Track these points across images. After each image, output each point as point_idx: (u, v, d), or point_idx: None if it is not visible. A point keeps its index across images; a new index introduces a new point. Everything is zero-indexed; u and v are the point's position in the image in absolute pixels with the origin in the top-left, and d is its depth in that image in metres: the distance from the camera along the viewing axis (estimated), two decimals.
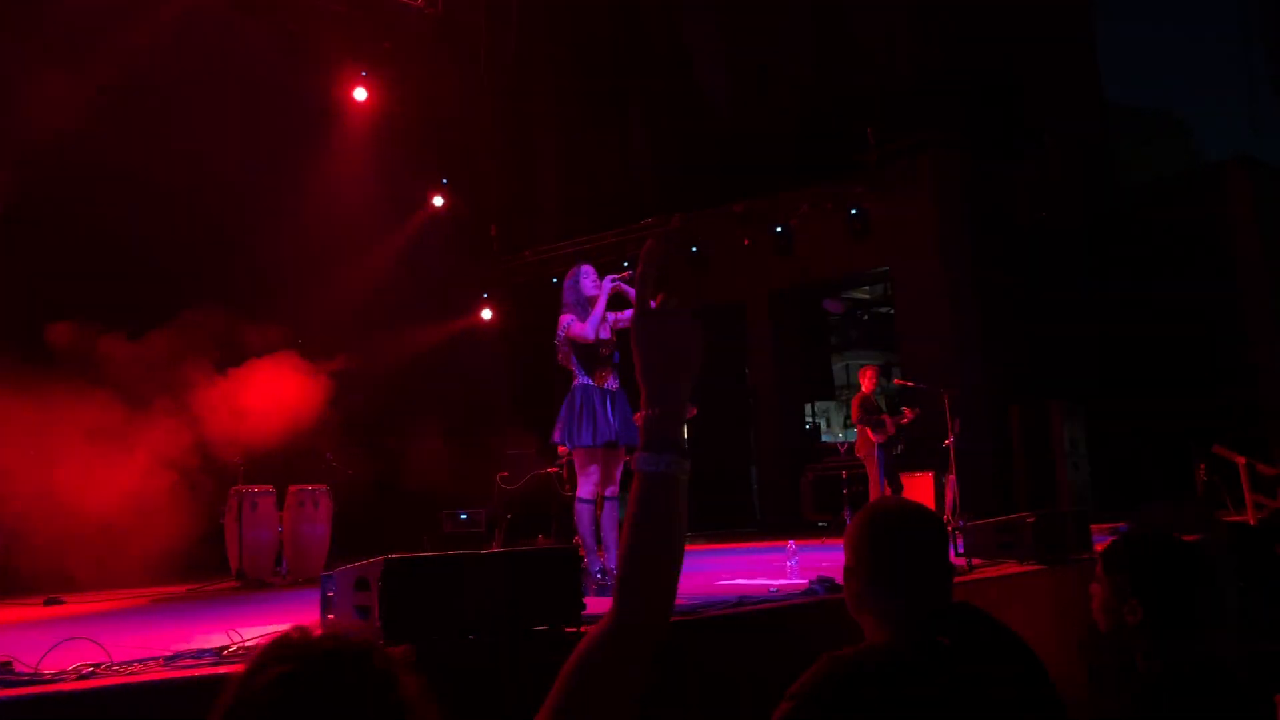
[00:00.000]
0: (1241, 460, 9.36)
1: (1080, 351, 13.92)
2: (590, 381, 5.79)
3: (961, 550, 6.16)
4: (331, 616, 3.64)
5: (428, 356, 13.10)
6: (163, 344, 8.98)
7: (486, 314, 15.00)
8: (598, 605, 4.55)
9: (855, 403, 10.32)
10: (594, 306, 5.83)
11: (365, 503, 10.31)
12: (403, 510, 11.64)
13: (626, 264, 7.29)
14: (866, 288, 19.33)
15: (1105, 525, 9.20)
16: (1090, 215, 13.65)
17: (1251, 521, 9.11)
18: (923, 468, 11.20)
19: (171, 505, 8.33)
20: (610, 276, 5.97)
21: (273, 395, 8.92)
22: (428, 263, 13.62)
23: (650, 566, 1.31)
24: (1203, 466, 10.20)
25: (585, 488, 5.75)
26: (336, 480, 9.03)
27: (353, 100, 12.89)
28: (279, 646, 1.05)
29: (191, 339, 9.08)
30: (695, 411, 5.92)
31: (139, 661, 3.27)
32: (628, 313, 6.08)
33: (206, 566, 8.48)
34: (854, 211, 13.37)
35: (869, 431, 10.06)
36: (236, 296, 9.79)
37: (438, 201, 14.36)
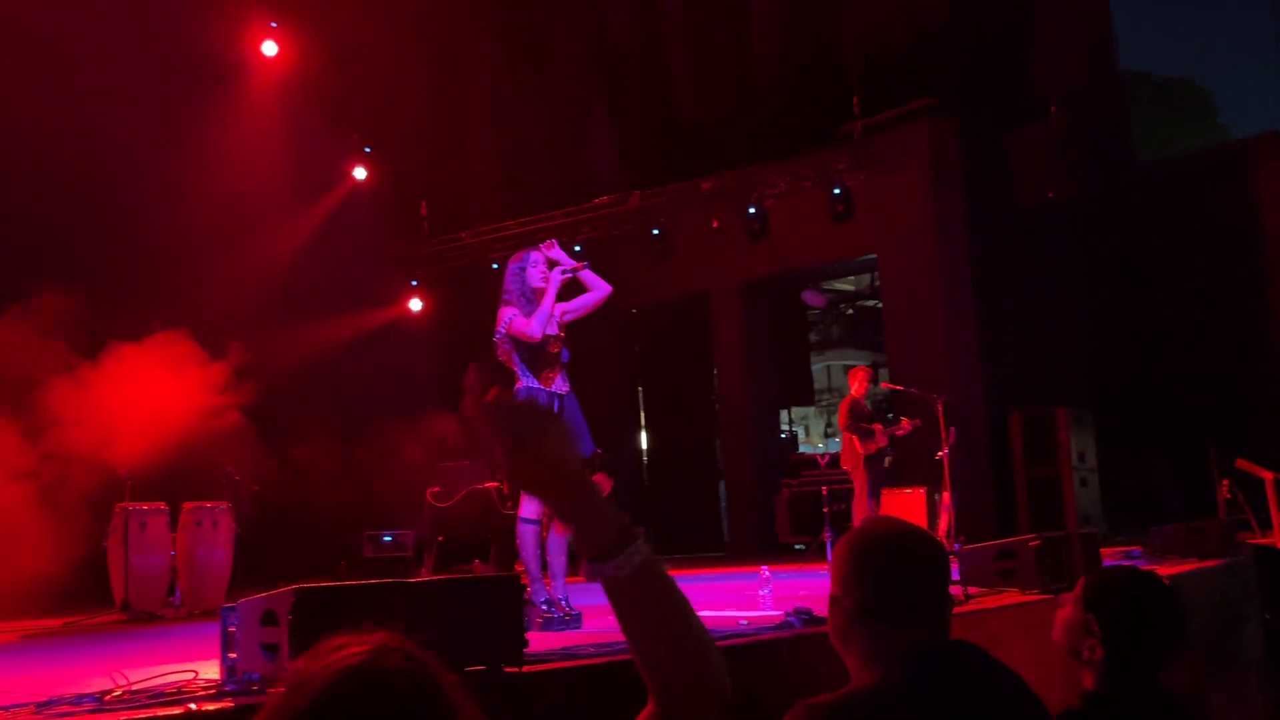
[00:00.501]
0: (1269, 476, 9.53)
1: (1090, 351, 14.11)
2: (536, 384, 5.80)
3: (956, 577, 6.23)
4: (233, 655, 3.61)
5: (348, 353, 13.01)
6: (5, 333, 8.79)
7: (416, 304, 14.92)
8: (542, 642, 4.55)
9: (843, 407, 10.41)
10: (541, 300, 5.83)
11: (273, 523, 10.25)
12: (317, 532, 11.57)
13: (579, 248, 7.33)
14: (851, 278, 19.50)
15: (1117, 548, 9.35)
16: (1104, 196, 13.85)
17: (1279, 545, 9.29)
18: (913, 483, 11.31)
19: (39, 524, 8.20)
20: (560, 266, 5.97)
21: (156, 395, 8.81)
22: (347, 244, 13.52)
23: (677, 656, 1.31)
24: (1225, 482, 10.38)
25: (529, 506, 5.76)
26: (240, 497, 8.96)
27: (260, 55, 12.75)
28: (340, 637, 1.18)
29: (45, 328, 8.91)
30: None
31: (7, 709, 3.22)
32: (576, 301, 6.09)
33: (87, 596, 8.35)
34: (837, 190, 13.47)
35: (856, 442, 10.14)
36: (108, 280, 9.61)
37: (359, 174, 14.27)
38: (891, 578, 1.88)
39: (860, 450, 10.13)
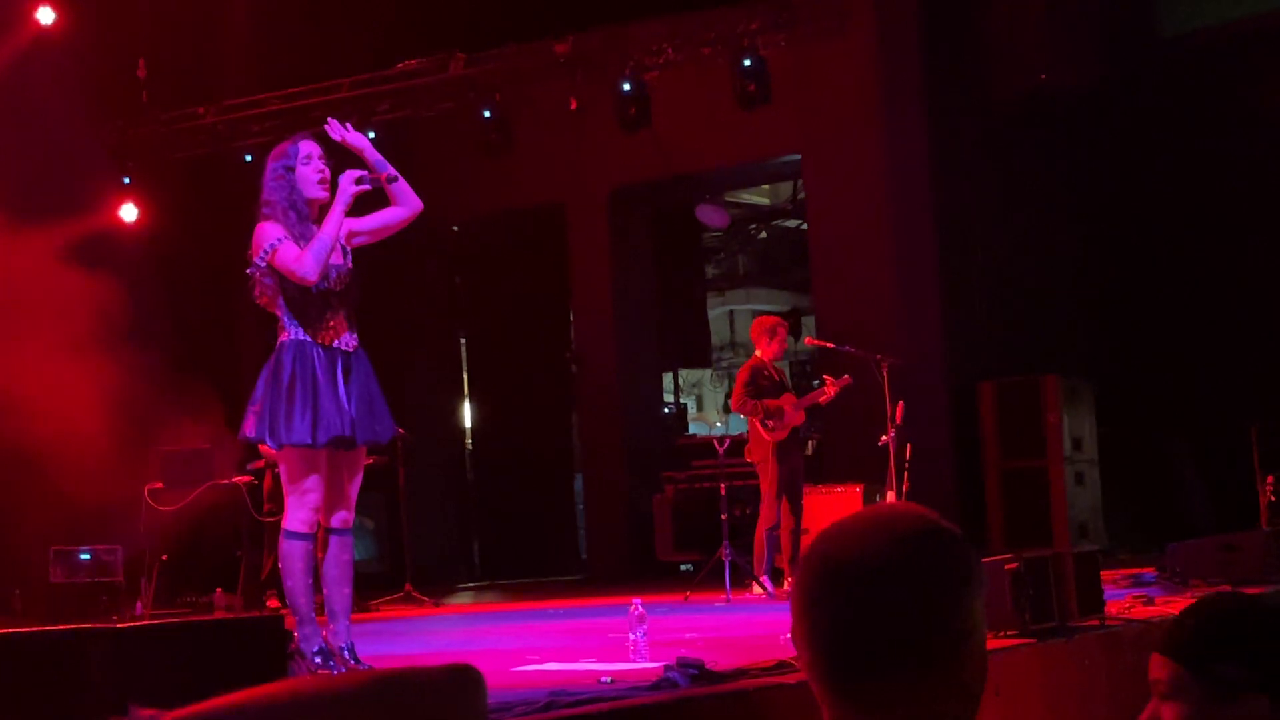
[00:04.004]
0: None
1: (1091, 300, 14.47)
2: (308, 337, 5.71)
3: None
4: None
5: (30, 284, 12.66)
6: None
7: (130, 212, 14.59)
8: None
9: (740, 376, 10.43)
10: (323, 220, 5.73)
11: None
12: None
13: (373, 135, 7.22)
14: (765, 187, 19.67)
15: (1123, 570, 9.66)
16: (1114, 82, 14.18)
17: None
18: (846, 478, 11.49)
19: None
20: (353, 172, 5.85)
21: None
22: (27, 122, 13.13)
23: None
24: (1270, 480, 10.81)
25: (298, 513, 5.71)
26: None
27: None
28: None
29: None
30: None
31: None
32: (373, 218, 6.00)
33: None
34: (746, 61, 13.53)
35: (759, 425, 10.17)
36: None
37: (46, 17, 13.81)
38: (853, 619, 1.78)
39: (767, 436, 10.14)
